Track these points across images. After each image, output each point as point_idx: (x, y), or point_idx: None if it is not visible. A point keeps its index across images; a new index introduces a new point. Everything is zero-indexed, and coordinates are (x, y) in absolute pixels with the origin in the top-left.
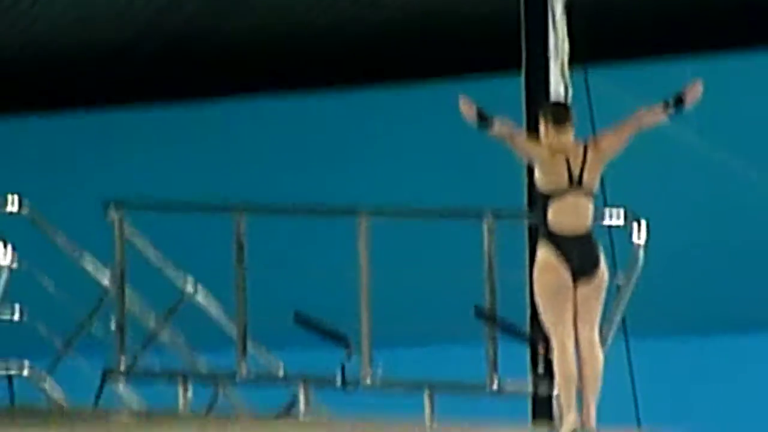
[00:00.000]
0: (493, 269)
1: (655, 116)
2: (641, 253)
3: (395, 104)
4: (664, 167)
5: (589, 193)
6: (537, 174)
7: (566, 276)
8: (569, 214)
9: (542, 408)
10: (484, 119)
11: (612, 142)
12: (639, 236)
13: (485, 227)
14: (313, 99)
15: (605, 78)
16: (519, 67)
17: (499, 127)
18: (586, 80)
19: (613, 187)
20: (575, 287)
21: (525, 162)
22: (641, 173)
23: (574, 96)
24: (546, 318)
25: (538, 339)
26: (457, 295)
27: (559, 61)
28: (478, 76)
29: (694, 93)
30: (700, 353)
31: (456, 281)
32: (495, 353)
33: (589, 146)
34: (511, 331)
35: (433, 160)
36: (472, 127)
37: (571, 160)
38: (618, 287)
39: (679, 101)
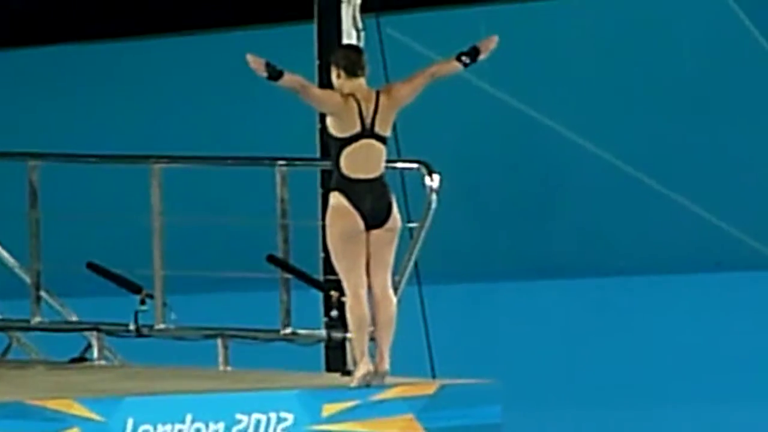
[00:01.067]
0: (286, 216)
1: (450, 67)
2: (434, 197)
3: (189, 54)
4: (453, 110)
5: (381, 139)
6: (329, 121)
7: (359, 222)
8: (362, 159)
9: (335, 355)
10: (273, 72)
11: (405, 91)
12: (432, 180)
13: (278, 175)
14: (106, 48)
15: (398, 26)
16: (311, 16)
17: (289, 79)
18: (378, 28)
19: (409, 133)
20: (368, 233)
21: (318, 111)
22: (434, 119)
23: (366, 45)
24: (339, 264)
25: (330, 286)
26: (251, 242)
27: (351, 9)
28: (272, 26)
29: (489, 45)
30: (492, 298)
31: (250, 229)
32: (288, 300)
33: (381, 93)
34: (303, 277)
35: (229, 109)
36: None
37: (363, 106)
38: (411, 232)
39: (475, 53)
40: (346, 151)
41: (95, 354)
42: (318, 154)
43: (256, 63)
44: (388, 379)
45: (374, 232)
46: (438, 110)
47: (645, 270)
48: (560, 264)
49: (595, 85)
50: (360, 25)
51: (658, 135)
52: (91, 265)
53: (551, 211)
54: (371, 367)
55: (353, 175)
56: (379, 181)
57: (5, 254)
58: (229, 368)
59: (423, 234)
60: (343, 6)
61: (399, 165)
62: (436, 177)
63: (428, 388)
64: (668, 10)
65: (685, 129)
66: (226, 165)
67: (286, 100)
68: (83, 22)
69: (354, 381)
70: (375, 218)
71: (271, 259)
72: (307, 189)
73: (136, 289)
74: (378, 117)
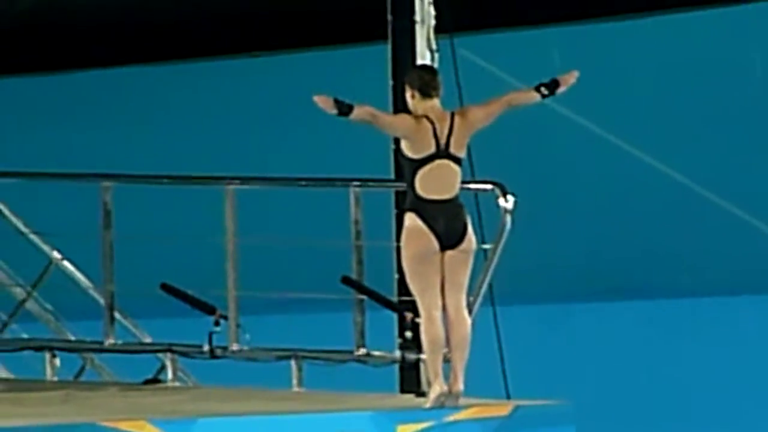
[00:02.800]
0: (360, 238)
1: (527, 96)
2: (508, 218)
3: (263, 75)
4: (524, 131)
5: (455, 160)
6: (403, 143)
7: (433, 243)
8: (436, 180)
9: (410, 376)
10: (343, 108)
11: (480, 114)
12: (506, 201)
13: (352, 196)
14: (180, 69)
15: (471, 47)
16: (385, 37)
17: (359, 112)
18: (452, 49)
19: (482, 153)
20: (442, 254)
21: (392, 137)
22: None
23: (440, 65)
24: (413, 285)
25: (404, 307)
26: (325, 263)
27: (425, 30)
28: (346, 46)
29: (569, 80)
30: (565, 320)
31: (324, 250)
32: (362, 321)
33: (456, 115)
34: (377, 298)
35: (303, 130)
36: (340, 96)
37: (437, 126)
38: (485, 253)
39: (554, 85)
40: (421, 172)
41: (169, 375)
42: (392, 175)
43: (324, 102)
44: (462, 401)
45: (449, 253)
46: (509, 130)
47: (717, 291)
48: (633, 285)
49: (665, 105)
50: (434, 45)
51: (730, 156)
52: (164, 286)
53: (624, 233)
54: (445, 388)
55: (428, 196)
56: (453, 202)
57: (79, 275)
58: (302, 389)
59: (497, 255)
60: (417, 27)
61: (473, 186)
62: (510, 198)
63: (503, 409)
64: (740, 30)
65: (759, 150)
66: (300, 186)
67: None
68: (155, 43)
69: (428, 402)
70: (449, 239)
71: (346, 280)
72: (381, 210)
73: (209, 310)
74: (453, 138)
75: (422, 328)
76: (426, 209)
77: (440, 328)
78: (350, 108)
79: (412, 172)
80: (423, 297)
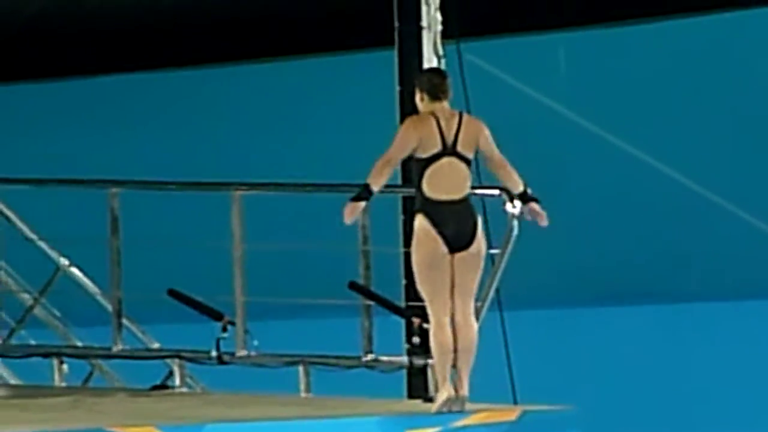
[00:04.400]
0: (368, 243)
1: (512, 181)
2: (515, 223)
3: (268, 80)
4: (532, 136)
5: (463, 159)
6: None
7: (442, 247)
8: (444, 179)
9: (417, 381)
10: (365, 194)
11: (482, 143)
12: (513, 206)
13: None
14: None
15: (478, 52)
16: (392, 43)
17: (378, 179)
18: (458, 54)
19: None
20: (452, 256)
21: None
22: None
23: (446, 71)
24: (423, 289)
25: (412, 312)
26: (333, 268)
27: (432, 36)
28: (352, 52)
29: (537, 216)
30: (572, 324)
31: (331, 255)
32: (369, 327)
33: (464, 119)
34: (385, 304)
35: (309, 135)
36: (342, 103)
37: (443, 125)
38: (492, 258)
39: (529, 200)
40: (429, 172)
41: (177, 381)
42: (399, 180)
43: (351, 212)
44: (470, 406)
45: (458, 255)
46: (517, 136)
47: (726, 296)
48: (641, 290)
49: (675, 110)
50: (441, 51)
51: (739, 161)
52: (172, 292)
53: (632, 237)
54: (452, 392)
55: (436, 197)
56: (463, 203)
57: (87, 281)
58: (310, 395)
59: (504, 260)
60: (424, 32)
61: (480, 192)
62: (517, 203)
63: (510, 414)
64: (746, 34)
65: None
66: (306, 191)
67: (367, 127)
68: (162, 50)
69: (435, 407)
70: (459, 241)
71: (353, 285)
72: (388, 215)
73: (217, 316)
74: (460, 136)
75: (431, 333)
76: (435, 211)
77: (449, 333)
78: (367, 187)
79: (420, 171)
80: (433, 302)
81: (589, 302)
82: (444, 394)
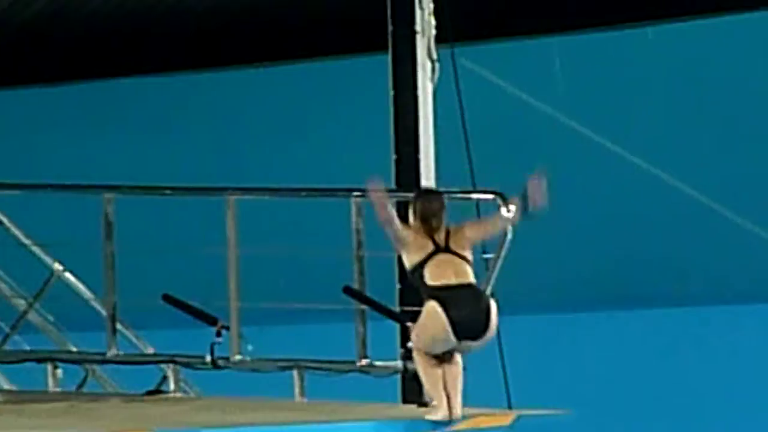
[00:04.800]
0: (362, 248)
1: (506, 222)
2: (510, 228)
3: (262, 86)
4: (528, 141)
5: (459, 255)
6: (405, 258)
7: (451, 336)
8: (443, 267)
9: (412, 386)
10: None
11: (474, 234)
12: (508, 211)
13: (353, 206)
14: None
15: (471, 56)
16: (386, 47)
17: (393, 218)
18: (452, 59)
19: (485, 164)
20: (458, 342)
21: (393, 160)
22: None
23: (440, 75)
24: (417, 355)
25: (406, 317)
26: (327, 273)
27: (426, 40)
28: (346, 57)
29: (538, 192)
30: (569, 329)
31: (325, 260)
32: (364, 331)
33: (451, 231)
34: (379, 309)
35: (303, 141)
36: (335, 107)
37: (434, 235)
38: (487, 263)
39: (525, 202)
40: (427, 268)
41: (171, 386)
42: (393, 185)
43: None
44: (465, 410)
45: (464, 343)
46: (512, 141)
47: (725, 300)
48: (640, 294)
49: (671, 115)
50: (434, 55)
51: (737, 167)
52: (166, 298)
53: (631, 242)
54: (447, 414)
55: (438, 283)
56: (471, 288)
57: (81, 287)
58: (304, 400)
59: (498, 265)
60: (418, 37)
61: (474, 195)
62: (512, 208)
63: (504, 418)
64: (743, 39)
65: (765, 161)
66: (301, 197)
67: (361, 132)
68: (154, 55)
69: (429, 417)
70: (469, 330)
71: (347, 290)
72: None
73: (211, 321)
74: (450, 241)
75: (420, 370)
76: (443, 296)
77: (438, 367)
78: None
79: (419, 272)
80: (422, 357)
81: (587, 307)
82: (439, 413)
